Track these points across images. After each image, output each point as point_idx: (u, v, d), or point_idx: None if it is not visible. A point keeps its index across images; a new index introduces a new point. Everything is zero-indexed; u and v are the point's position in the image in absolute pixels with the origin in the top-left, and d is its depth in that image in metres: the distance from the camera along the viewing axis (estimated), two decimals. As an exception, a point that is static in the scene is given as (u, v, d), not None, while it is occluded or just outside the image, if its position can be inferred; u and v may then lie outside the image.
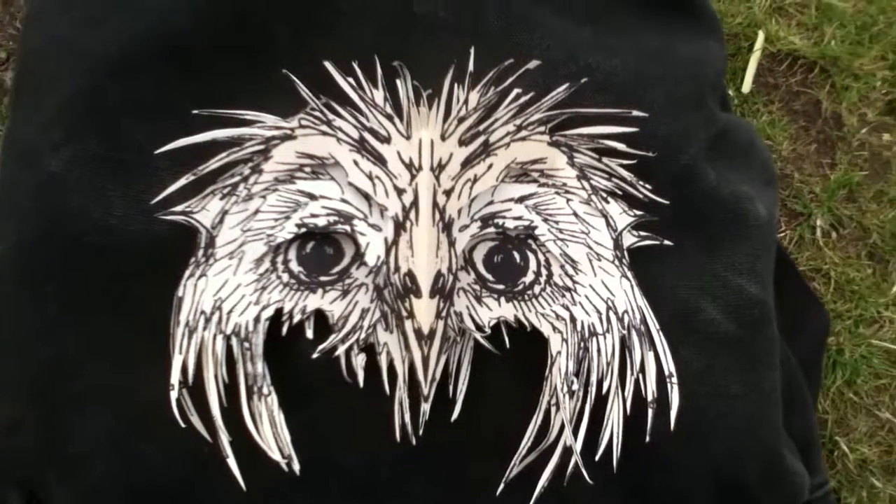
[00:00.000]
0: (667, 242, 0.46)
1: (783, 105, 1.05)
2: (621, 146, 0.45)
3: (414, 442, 0.42)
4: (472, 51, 0.42)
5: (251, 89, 0.44)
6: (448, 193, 0.40)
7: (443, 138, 0.41)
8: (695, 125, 0.49)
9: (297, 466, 0.41)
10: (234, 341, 0.42)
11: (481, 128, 0.41)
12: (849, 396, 0.89)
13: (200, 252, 0.43)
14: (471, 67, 0.42)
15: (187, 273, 0.42)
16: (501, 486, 0.42)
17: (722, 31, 0.56)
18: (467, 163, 0.41)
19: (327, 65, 0.41)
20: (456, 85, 0.42)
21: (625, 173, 0.45)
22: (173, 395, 0.41)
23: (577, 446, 0.42)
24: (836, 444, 0.84)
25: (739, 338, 0.47)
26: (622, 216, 0.45)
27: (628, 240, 0.45)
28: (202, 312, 0.42)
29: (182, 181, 0.42)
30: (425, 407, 0.41)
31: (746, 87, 0.99)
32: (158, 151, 0.42)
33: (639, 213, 0.45)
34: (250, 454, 0.41)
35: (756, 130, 0.62)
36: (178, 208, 0.43)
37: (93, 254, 0.44)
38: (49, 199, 0.44)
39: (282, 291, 0.42)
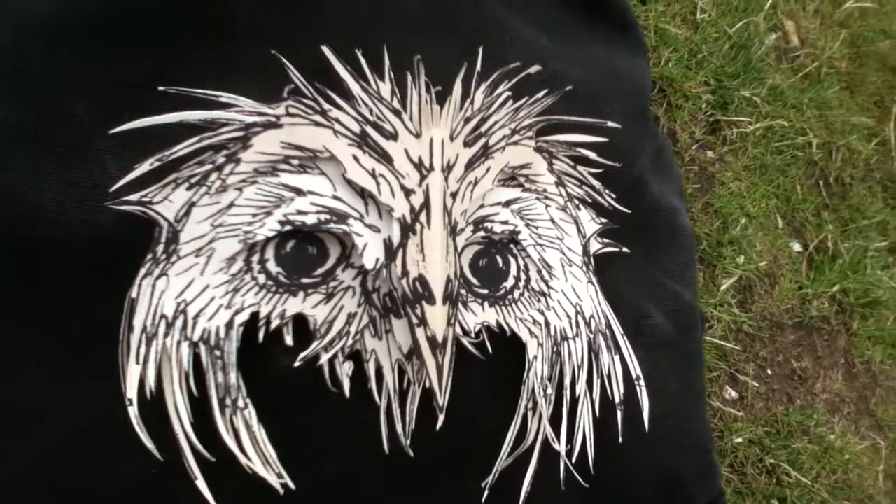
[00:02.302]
0: (625, 250, 0.48)
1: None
2: (593, 155, 0.46)
3: (410, 453, 0.40)
4: (480, 50, 0.41)
5: (217, 69, 0.39)
6: (454, 196, 0.39)
7: (451, 138, 0.39)
8: (642, 139, 0.51)
9: (292, 485, 0.37)
10: (202, 349, 0.37)
11: (483, 129, 0.40)
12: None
13: (160, 248, 0.37)
14: (479, 67, 0.41)
15: (142, 272, 0.37)
16: (486, 493, 0.42)
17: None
18: (470, 165, 0.40)
19: (325, 50, 0.38)
20: (464, 84, 0.40)
21: (595, 182, 0.46)
22: (132, 411, 0.36)
23: (563, 449, 0.42)
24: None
25: (676, 340, 0.50)
26: (590, 223, 0.46)
27: (594, 246, 0.46)
28: (163, 316, 0.37)
29: (145, 166, 0.36)
30: (413, 413, 0.39)
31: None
32: (115, 131, 0.36)
33: (604, 220, 0.47)
34: (219, 474, 0.37)
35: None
36: (133, 197, 0.37)
37: (15, 245, 0.37)
38: None
39: (257, 294, 0.38)
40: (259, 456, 0.37)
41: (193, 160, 0.38)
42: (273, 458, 0.37)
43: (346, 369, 0.39)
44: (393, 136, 0.38)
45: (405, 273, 0.37)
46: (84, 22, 0.39)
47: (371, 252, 0.38)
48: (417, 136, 0.38)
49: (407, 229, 0.37)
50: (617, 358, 0.45)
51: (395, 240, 0.37)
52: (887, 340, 1.26)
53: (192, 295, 0.37)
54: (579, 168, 0.45)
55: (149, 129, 0.37)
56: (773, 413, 1.07)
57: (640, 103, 0.52)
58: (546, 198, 0.44)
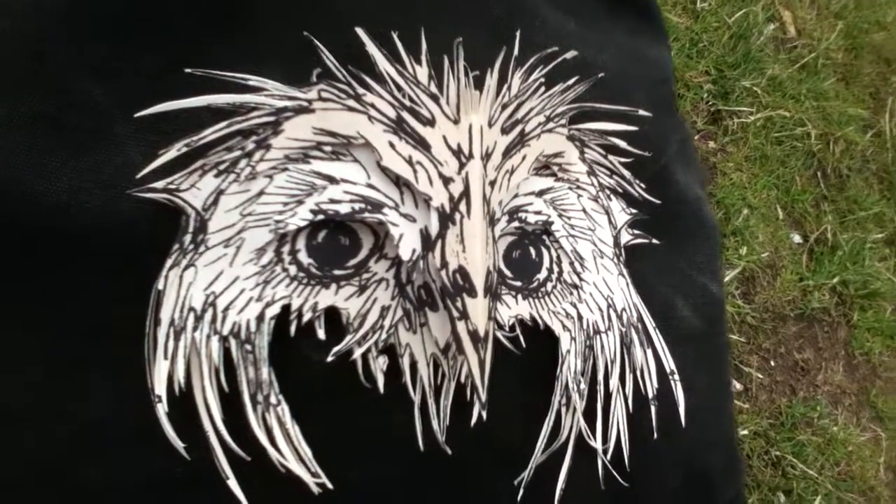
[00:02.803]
0: (654, 241, 0.47)
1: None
2: (624, 144, 0.45)
3: (448, 451, 0.38)
4: (517, 34, 0.40)
5: (243, 53, 0.38)
6: (492, 185, 0.37)
7: (489, 125, 0.38)
8: (670, 128, 0.50)
9: (329, 484, 0.36)
10: (232, 343, 0.36)
11: (519, 116, 0.39)
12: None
13: (188, 238, 0.36)
14: (516, 51, 0.39)
15: (169, 262, 0.36)
16: (521, 491, 0.40)
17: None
18: (507, 153, 0.38)
19: (359, 31, 0.36)
20: (501, 69, 0.39)
21: (625, 172, 0.45)
22: (161, 408, 0.34)
23: (600, 446, 0.41)
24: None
25: (704, 334, 0.49)
26: (621, 214, 0.45)
27: (624, 237, 0.45)
28: (191, 309, 0.35)
29: (172, 152, 0.35)
30: (448, 409, 0.38)
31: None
32: (140, 115, 0.35)
33: (633, 211, 0.46)
34: (251, 474, 0.36)
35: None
36: (159, 185, 0.35)
37: (25, 234, 0.35)
38: None
39: (288, 286, 0.37)
40: (294, 454, 0.36)
41: (221, 146, 0.36)
42: (309, 457, 0.36)
43: (380, 364, 0.38)
44: (430, 123, 0.37)
45: (444, 264, 0.36)
46: (105, 4, 0.37)
47: (407, 242, 0.37)
48: (456, 122, 0.37)
49: (446, 219, 0.36)
50: (650, 352, 0.44)
51: (434, 230, 0.36)
52: (886, 332, 1.27)
53: (222, 287, 0.36)
54: (610, 157, 0.44)
55: (173, 113, 0.35)
56: (777, 405, 1.07)
57: (666, 91, 0.51)
58: (578, 187, 0.43)
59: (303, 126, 0.36)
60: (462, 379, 0.38)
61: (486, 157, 0.37)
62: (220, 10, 0.38)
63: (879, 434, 1.17)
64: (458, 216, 0.36)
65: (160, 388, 0.35)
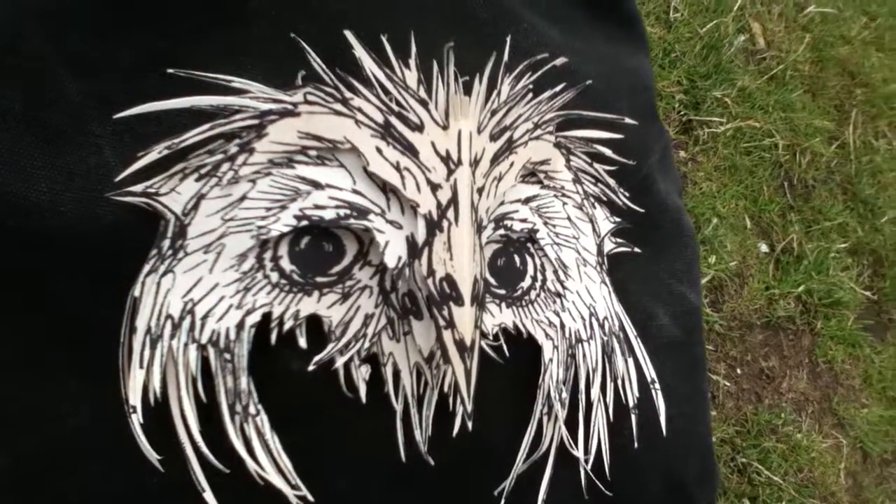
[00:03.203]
0: (636, 250, 0.47)
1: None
2: (609, 152, 0.44)
3: (430, 460, 0.38)
4: (508, 40, 0.39)
5: (226, 51, 0.37)
6: (480, 192, 0.37)
7: (479, 131, 0.37)
8: (651, 137, 0.50)
9: (310, 497, 0.35)
10: (210, 352, 0.35)
11: (508, 122, 0.39)
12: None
13: (166, 243, 0.35)
14: (505, 58, 0.39)
15: (146, 268, 0.34)
16: (502, 501, 0.40)
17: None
18: (495, 159, 0.38)
19: (347, 34, 0.36)
20: (491, 75, 0.38)
21: (610, 180, 0.45)
22: (135, 418, 0.33)
23: (582, 455, 0.41)
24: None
25: (683, 342, 0.49)
26: (605, 222, 0.45)
27: (607, 246, 0.45)
28: (168, 317, 0.34)
29: (154, 154, 0.34)
30: (430, 419, 0.38)
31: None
32: (119, 116, 0.34)
33: (617, 219, 0.46)
34: (226, 486, 0.35)
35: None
36: (138, 188, 0.34)
37: (4, 238, 0.34)
38: None
39: (270, 293, 0.36)
40: (273, 465, 0.35)
41: (203, 149, 0.35)
42: (289, 468, 0.35)
43: (362, 373, 0.37)
44: (419, 128, 0.36)
45: (431, 272, 0.35)
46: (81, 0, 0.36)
47: (393, 250, 0.36)
48: (444, 127, 0.36)
49: (433, 226, 0.35)
50: (631, 361, 0.44)
51: (420, 237, 0.35)
52: (847, 340, 1.29)
53: (201, 294, 0.35)
54: (595, 165, 0.44)
55: (154, 114, 0.34)
56: (744, 412, 1.09)
57: (647, 100, 0.51)
58: (563, 195, 0.43)
59: (288, 130, 0.35)
60: (445, 388, 0.38)
61: (475, 163, 0.37)
62: (208, 7, 0.37)
63: (840, 441, 1.19)
64: (445, 223, 0.35)
65: (135, 398, 0.33)
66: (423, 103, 0.36)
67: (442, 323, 0.35)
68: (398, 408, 0.38)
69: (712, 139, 1.25)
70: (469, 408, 0.36)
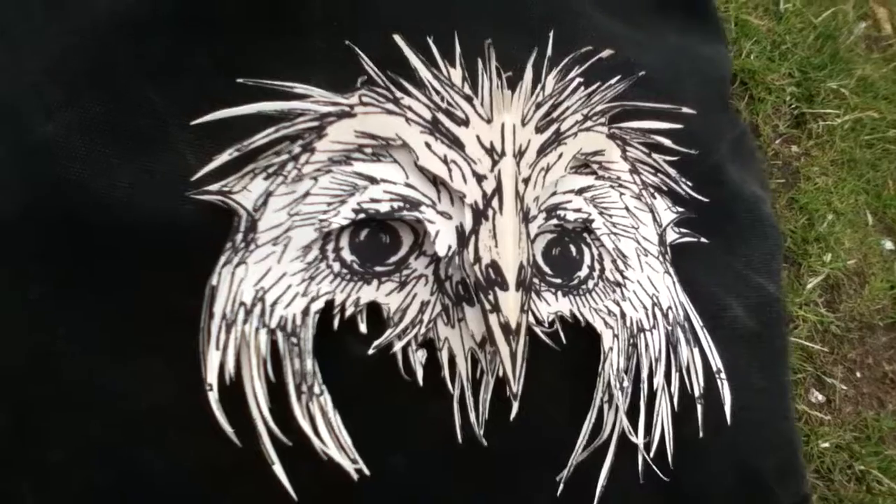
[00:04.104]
0: (703, 240, 0.46)
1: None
2: (668, 142, 0.44)
3: (484, 443, 0.39)
4: (551, 35, 0.40)
5: (294, 58, 0.40)
6: (526, 182, 0.38)
7: (523, 124, 0.39)
8: (722, 125, 0.50)
9: (366, 471, 0.38)
10: (279, 336, 0.38)
11: (555, 115, 0.40)
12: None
13: (239, 237, 0.38)
14: (549, 52, 0.40)
15: (222, 260, 0.38)
16: (561, 486, 0.41)
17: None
18: (542, 151, 0.39)
19: (397, 38, 0.38)
20: (534, 69, 0.40)
21: (670, 170, 0.45)
22: (212, 395, 0.37)
23: (641, 442, 0.41)
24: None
25: (760, 334, 0.48)
26: (666, 212, 0.45)
27: (670, 236, 0.45)
28: (242, 304, 0.38)
29: (224, 157, 0.38)
30: (487, 403, 0.39)
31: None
32: (196, 122, 0.37)
33: (681, 209, 0.45)
34: (295, 461, 0.37)
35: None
36: (214, 187, 0.38)
37: (88, 231, 0.38)
38: (37, 169, 0.38)
39: (332, 282, 0.39)
40: (334, 441, 0.38)
41: (270, 150, 0.38)
42: (348, 444, 0.38)
43: (419, 357, 0.39)
44: (464, 122, 0.38)
45: (477, 259, 0.37)
46: (161, 16, 0.40)
47: (443, 239, 0.38)
48: (489, 121, 0.38)
49: (479, 215, 0.37)
50: (696, 351, 0.44)
51: (468, 226, 0.37)
52: None
53: (270, 282, 0.38)
54: (654, 155, 0.44)
55: (226, 120, 0.38)
56: (864, 418, 1.02)
57: (720, 89, 0.51)
58: (620, 186, 0.43)
59: (345, 129, 0.38)
60: (501, 374, 0.39)
61: (520, 154, 0.38)
62: (271, 19, 0.41)
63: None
64: (490, 212, 0.37)
65: (212, 377, 0.37)
66: (468, 99, 0.38)
67: (488, 307, 0.36)
68: (455, 391, 0.39)
69: (828, 132, 1.19)
70: (515, 389, 0.37)
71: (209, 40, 0.40)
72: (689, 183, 0.45)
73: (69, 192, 0.38)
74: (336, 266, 0.39)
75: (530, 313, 0.40)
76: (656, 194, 0.45)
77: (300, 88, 0.39)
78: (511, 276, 0.36)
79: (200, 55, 0.40)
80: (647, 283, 0.44)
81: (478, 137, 0.38)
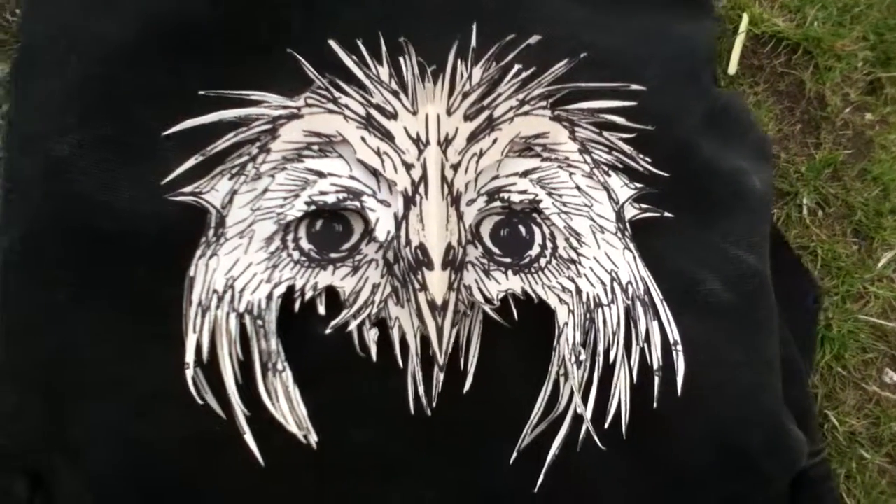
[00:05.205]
0: (667, 214, 0.47)
1: (768, 86, 1.06)
2: (621, 120, 0.46)
3: (429, 414, 0.42)
4: (473, 27, 0.43)
5: (260, 71, 0.45)
6: (455, 167, 0.41)
7: (448, 113, 0.41)
8: (689, 100, 0.50)
9: (314, 439, 0.42)
10: (247, 319, 0.42)
11: (485, 103, 0.42)
12: (837, 371, 0.90)
13: (211, 232, 0.43)
14: (473, 43, 0.43)
15: (198, 253, 0.43)
16: (514, 454, 0.43)
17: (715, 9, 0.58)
18: (473, 137, 0.42)
19: (332, 43, 0.42)
20: (459, 61, 0.42)
21: (625, 147, 0.46)
22: (189, 373, 0.42)
23: (588, 414, 0.43)
24: (825, 417, 0.85)
25: (738, 307, 0.48)
26: (623, 189, 0.46)
27: (630, 212, 0.46)
28: (214, 291, 0.42)
29: (190, 162, 0.42)
30: (440, 376, 0.42)
31: (732, 69, 1.00)
32: (166, 133, 0.42)
33: (639, 185, 0.46)
34: (266, 431, 0.42)
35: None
36: (187, 189, 0.43)
37: (100, 238, 0.44)
38: (57, 185, 0.44)
39: (293, 269, 0.43)
40: (291, 414, 0.42)
41: (234, 153, 0.43)
42: (303, 415, 0.42)
43: (372, 336, 0.42)
44: (393, 116, 0.41)
45: (408, 242, 0.40)
46: (160, 43, 0.46)
47: (383, 225, 0.42)
48: (414, 113, 0.41)
49: (409, 201, 0.40)
50: (655, 324, 0.45)
51: (400, 212, 0.41)
52: None
53: (239, 272, 0.43)
54: (605, 134, 0.45)
55: (199, 128, 0.43)
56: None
57: (689, 64, 0.51)
58: (569, 165, 0.45)
59: (295, 130, 0.42)
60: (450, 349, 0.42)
61: (446, 142, 0.41)
62: (243, 43, 0.46)
63: None
64: (418, 198, 0.40)
65: (189, 357, 0.42)
66: (396, 94, 0.42)
67: (416, 286, 0.40)
68: (408, 367, 0.42)
69: (906, 97, 1.12)
70: (442, 361, 0.40)
71: (196, 63, 0.46)
72: (647, 159, 0.46)
73: (81, 205, 0.44)
74: (296, 254, 0.43)
75: (479, 292, 0.43)
76: (611, 172, 0.46)
77: (256, 95, 0.43)
78: (437, 257, 0.39)
79: (187, 78, 0.45)
80: (604, 259, 0.45)
81: (405, 129, 0.41)
